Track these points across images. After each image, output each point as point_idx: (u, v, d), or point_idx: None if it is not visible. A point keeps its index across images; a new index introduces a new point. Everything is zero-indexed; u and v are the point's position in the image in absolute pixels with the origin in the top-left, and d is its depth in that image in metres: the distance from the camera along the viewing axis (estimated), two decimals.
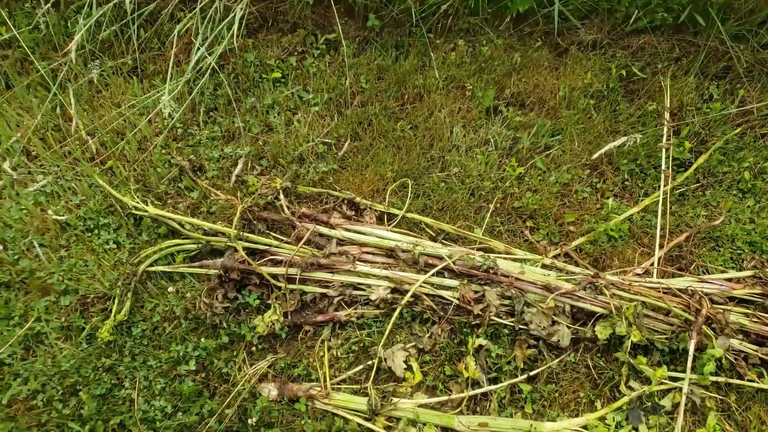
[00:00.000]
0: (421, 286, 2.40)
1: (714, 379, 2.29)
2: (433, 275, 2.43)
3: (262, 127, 2.99)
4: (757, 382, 2.28)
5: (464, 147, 2.92)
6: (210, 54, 3.08)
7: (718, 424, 2.24)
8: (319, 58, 3.24)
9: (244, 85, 3.13)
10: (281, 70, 3.17)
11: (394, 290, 2.44)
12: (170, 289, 2.46)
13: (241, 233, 2.47)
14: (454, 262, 2.43)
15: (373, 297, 2.42)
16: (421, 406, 2.30)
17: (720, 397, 2.29)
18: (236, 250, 2.42)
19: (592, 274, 2.41)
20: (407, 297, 2.37)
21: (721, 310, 2.30)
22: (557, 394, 2.34)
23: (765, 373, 2.31)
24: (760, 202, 2.72)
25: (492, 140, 2.92)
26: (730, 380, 2.29)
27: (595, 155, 2.77)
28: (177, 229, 2.57)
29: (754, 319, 2.32)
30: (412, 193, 2.74)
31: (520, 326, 2.37)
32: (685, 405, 2.27)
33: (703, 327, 2.27)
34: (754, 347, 2.31)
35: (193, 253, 2.56)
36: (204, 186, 2.74)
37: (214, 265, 2.44)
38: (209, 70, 3.04)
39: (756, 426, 2.24)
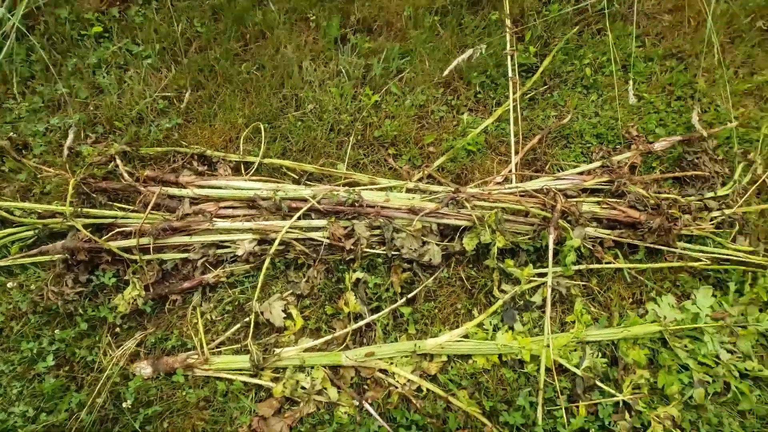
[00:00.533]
0: (288, 231, 2.34)
1: (576, 268, 2.45)
2: (299, 219, 2.37)
3: (90, 90, 2.72)
4: (614, 263, 2.47)
5: (317, 81, 2.82)
6: (12, 14, 2.71)
7: (584, 308, 2.42)
8: (144, 5, 2.97)
9: (61, 46, 2.81)
10: (102, 24, 2.87)
11: (261, 241, 2.37)
12: (10, 284, 2.23)
13: (79, 209, 2.26)
14: (318, 202, 2.38)
15: (239, 252, 2.34)
16: (306, 350, 2.29)
17: (583, 283, 2.46)
18: (78, 229, 2.22)
19: (453, 190, 2.45)
20: (275, 246, 2.31)
21: (575, 203, 2.43)
22: (437, 311, 2.41)
23: (619, 253, 2.49)
24: (603, 96, 2.87)
25: (344, 71, 2.84)
26: (591, 266, 2.46)
27: (446, 72, 2.78)
28: (6, 218, 2.31)
29: (605, 206, 2.48)
30: (266, 137, 2.62)
31: (393, 253, 2.39)
32: (553, 296, 2.43)
33: (560, 221, 2.40)
34: (608, 231, 2.48)
35: (31, 240, 2.33)
36: (32, 165, 2.47)
37: (55, 249, 2.23)
38: (14, 33, 2.68)
39: (616, 302, 2.44)
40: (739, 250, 2.50)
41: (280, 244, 2.34)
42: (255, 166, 2.53)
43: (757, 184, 2.62)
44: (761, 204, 2.61)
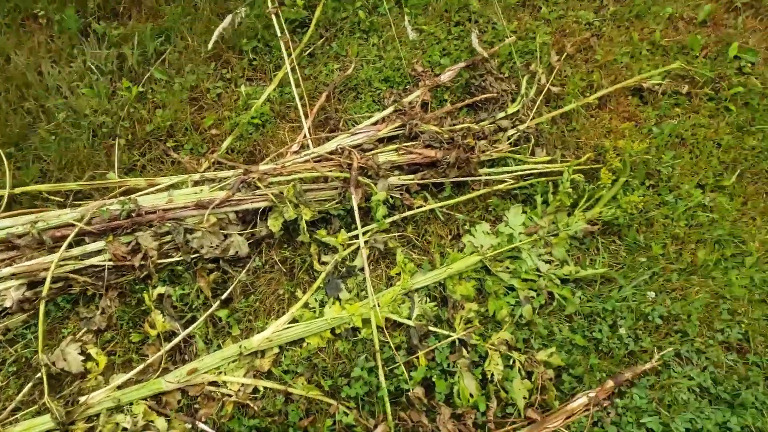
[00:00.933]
0: (61, 265, 2.13)
1: (390, 220, 2.49)
2: (69, 248, 2.17)
3: None
4: (425, 205, 2.53)
5: (65, 85, 2.58)
6: None
7: (406, 258, 2.47)
8: None
9: None
10: None
11: (31, 285, 2.15)
12: None
13: None
14: (89, 223, 2.18)
15: (7, 303, 2.12)
16: (120, 387, 2.13)
17: (399, 234, 2.50)
18: None
19: (242, 172, 2.36)
20: (47, 286, 2.11)
21: (371, 156, 2.44)
22: (258, 303, 2.36)
23: (427, 195, 2.56)
24: (383, 37, 2.88)
25: (94, 66, 2.60)
26: (403, 214, 2.51)
27: (210, 44, 2.63)
28: None
29: (402, 151, 2.52)
30: (14, 163, 2.35)
31: (192, 256, 2.28)
32: (374, 254, 2.47)
33: (361, 178, 2.40)
34: (411, 176, 2.54)
35: None
36: None
37: None
38: None
39: (435, 243, 2.52)
40: (538, 162, 2.66)
41: (57, 281, 2.15)
42: (5, 202, 2.26)
43: (543, 93, 2.80)
44: (551, 111, 2.79)
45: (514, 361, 2.28)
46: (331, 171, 2.40)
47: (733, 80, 3.01)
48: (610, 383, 2.28)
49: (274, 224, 2.35)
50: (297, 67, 2.69)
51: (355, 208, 2.35)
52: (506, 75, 2.84)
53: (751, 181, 2.79)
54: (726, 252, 2.60)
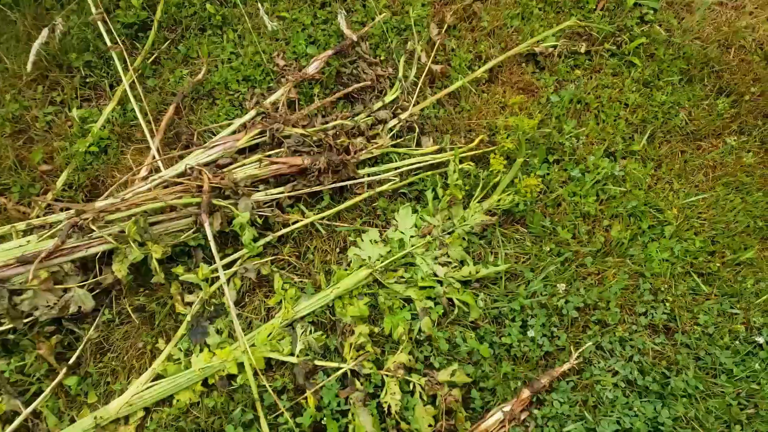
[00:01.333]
0: None
1: (263, 242, 2.24)
2: None
3: None
4: (302, 220, 2.24)
5: None
6: None
7: (286, 282, 2.19)
8: None
9: None
10: None
11: None
12: None
13: None
14: None
15: None
16: None
17: (273, 257, 2.22)
18: None
19: (73, 213, 2.03)
20: None
21: (225, 173, 2.13)
22: (115, 362, 2.05)
23: (303, 207, 2.28)
24: (238, 31, 2.55)
25: None
26: (278, 233, 2.24)
27: (29, 65, 2.27)
28: None
29: (264, 163, 2.21)
30: None
31: (26, 320, 1.96)
32: (247, 284, 2.19)
33: (218, 200, 2.10)
34: (280, 189, 2.25)
35: None
36: None
37: None
38: None
39: (318, 260, 2.24)
40: (425, 154, 2.39)
41: None
42: None
43: (425, 73, 2.52)
44: (436, 93, 2.51)
45: (414, 386, 2.03)
46: (179, 197, 2.09)
47: (636, 31, 2.78)
48: (526, 392, 2.07)
49: (119, 269, 2.04)
50: (138, 79, 2.35)
51: (210, 237, 2.05)
52: (382, 58, 2.54)
53: (663, 140, 2.59)
54: (643, 225, 2.40)
